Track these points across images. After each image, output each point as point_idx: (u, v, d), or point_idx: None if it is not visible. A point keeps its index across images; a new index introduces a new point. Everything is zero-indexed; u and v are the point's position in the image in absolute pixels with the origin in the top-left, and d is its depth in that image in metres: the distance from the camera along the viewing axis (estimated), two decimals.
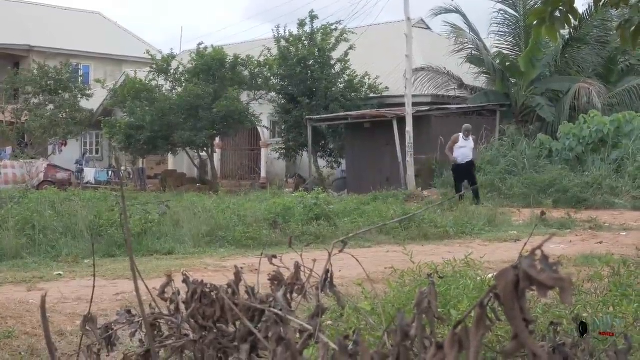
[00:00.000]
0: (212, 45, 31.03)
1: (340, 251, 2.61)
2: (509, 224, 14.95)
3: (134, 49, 44.98)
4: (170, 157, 35.29)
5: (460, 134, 19.40)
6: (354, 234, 5.76)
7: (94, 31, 47.31)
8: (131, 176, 34.73)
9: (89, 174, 34.26)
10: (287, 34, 29.83)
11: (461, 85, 28.18)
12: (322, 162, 29.54)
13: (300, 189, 22.54)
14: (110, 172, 34.40)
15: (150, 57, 32.12)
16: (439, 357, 1.14)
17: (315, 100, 28.42)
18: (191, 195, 19.04)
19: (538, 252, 1.10)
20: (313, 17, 29.78)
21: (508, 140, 23.84)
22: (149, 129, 29.76)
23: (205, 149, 31.34)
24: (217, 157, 33.78)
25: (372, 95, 29.26)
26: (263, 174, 33.48)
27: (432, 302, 2.10)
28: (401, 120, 23.56)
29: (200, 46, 31.04)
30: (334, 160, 29.53)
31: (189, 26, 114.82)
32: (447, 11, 28.32)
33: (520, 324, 1.07)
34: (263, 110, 31.02)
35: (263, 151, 33.87)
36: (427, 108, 25.81)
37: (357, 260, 3.05)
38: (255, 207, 14.90)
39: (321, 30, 29.58)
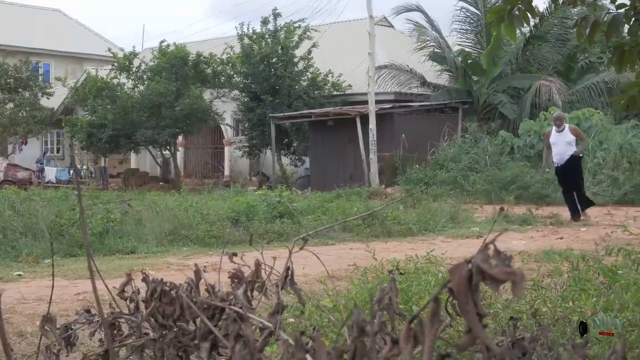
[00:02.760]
0: (174, 43, 30.86)
1: (301, 248, 2.61)
2: (471, 220, 15.06)
3: (95, 47, 44.58)
4: (132, 155, 35.02)
5: (552, 128, 15.12)
6: (316, 231, 5.78)
7: (55, 29, 46.76)
8: (93, 175, 34.44)
9: (50, 173, 33.94)
10: (251, 31, 29.75)
11: (424, 82, 28.31)
12: (285, 160, 29.53)
13: (264, 187, 22.52)
14: (71, 171, 34.07)
15: (111, 54, 31.85)
16: (394, 352, 1.15)
17: (279, 98, 28.39)
18: (154, 194, 18.91)
19: (491, 246, 1.11)
20: (276, 15, 29.76)
21: (470, 137, 24.01)
22: (111, 127, 29.51)
23: (168, 147, 31.16)
24: (180, 155, 33.59)
25: (335, 93, 29.30)
26: (226, 172, 33.36)
27: (392, 299, 2.12)
28: (364, 118, 23.63)
29: (163, 44, 30.84)
30: (297, 158, 29.53)
31: (151, 24, 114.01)
32: (409, 9, 28.44)
33: (473, 318, 1.08)
34: (226, 109, 30.92)
35: (226, 149, 33.75)
36: (390, 106, 25.89)
37: (318, 258, 3.06)
38: (219, 206, 14.84)
39: (284, 28, 29.55)
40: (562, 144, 14.54)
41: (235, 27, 30.86)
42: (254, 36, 29.53)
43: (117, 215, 12.84)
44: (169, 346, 2.34)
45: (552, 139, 14.76)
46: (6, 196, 14.44)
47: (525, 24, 5.05)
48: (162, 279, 2.40)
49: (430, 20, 28.64)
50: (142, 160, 35.61)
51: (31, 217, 12.51)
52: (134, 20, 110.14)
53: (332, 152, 25.69)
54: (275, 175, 27.89)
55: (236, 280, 2.45)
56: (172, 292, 2.36)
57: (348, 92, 29.04)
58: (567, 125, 14.98)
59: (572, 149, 14.46)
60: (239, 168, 32.75)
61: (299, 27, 29.55)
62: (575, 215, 14.44)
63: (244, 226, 12.80)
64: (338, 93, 29.27)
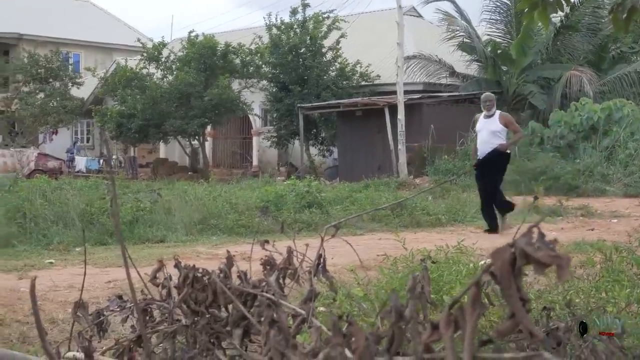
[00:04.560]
0: (203, 33, 30.91)
1: (333, 236, 2.59)
2: None
3: (124, 37, 44.79)
4: (161, 145, 35.20)
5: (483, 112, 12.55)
6: (346, 219, 5.75)
7: (85, 19, 47.07)
8: (122, 165, 34.65)
9: (80, 162, 34.18)
10: (279, 21, 29.74)
11: (453, 73, 28.16)
12: (313, 151, 29.51)
13: (292, 177, 22.53)
14: (101, 161, 34.31)
15: (141, 45, 31.99)
16: (434, 337, 1.13)
17: (307, 89, 28.36)
18: (183, 184, 18.99)
19: (534, 230, 1.08)
20: (305, 5, 29.73)
21: None
22: (140, 117, 29.67)
23: (196, 137, 31.26)
24: (208, 145, 33.71)
25: (363, 83, 29.23)
26: (255, 162, 33.42)
27: (425, 287, 2.09)
28: (393, 108, 23.54)
29: (192, 34, 30.93)
30: (325, 148, 29.51)
31: (179, 15, 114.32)
32: None
33: (516, 303, 1.05)
34: (254, 99, 30.95)
35: (255, 139, 33.79)
36: (418, 96, 25.78)
37: (351, 245, 3.04)
38: (247, 195, 14.87)
39: (313, 18, 29.50)
40: (486, 133, 11.70)
41: (264, 18, 30.89)
42: (283, 26, 29.52)
43: (147, 205, 12.90)
44: (201, 332, 2.33)
45: (478, 125, 12.05)
46: (37, 185, 14.53)
47: (556, 12, 4.98)
48: (194, 266, 2.39)
49: (459, 10, 28.47)
50: (170, 150, 35.78)
51: (62, 205, 12.60)
52: (162, 11, 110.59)
53: (360, 143, 25.63)
54: (304, 166, 27.89)
55: (268, 267, 2.44)
56: (205, 278, 2.35)
57: (376, 82, 28.94)
58: (498, 112, 11.88)
59: (498, 141, 11.57)
60: (267, 158, 32.79)
61: (328, 17, 29.50)
62: (493, 226, 11.51)
63: (272, 216, 12.82)
64: (366, 83, 29.19)
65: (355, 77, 29.28)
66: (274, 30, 29.53)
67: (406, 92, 23.99)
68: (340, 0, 39.64)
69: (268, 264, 2.40)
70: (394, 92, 23.78)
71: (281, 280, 2.43)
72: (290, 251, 2.45)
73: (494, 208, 11.68)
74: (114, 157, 35.08)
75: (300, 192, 14.06)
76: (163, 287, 2.62)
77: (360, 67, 29.26)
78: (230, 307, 2.37)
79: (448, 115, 25.13)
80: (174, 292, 2.55)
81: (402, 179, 21.43)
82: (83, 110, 37.54)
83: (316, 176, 21.75)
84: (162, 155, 36.10)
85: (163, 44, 31.61)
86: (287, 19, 29.84)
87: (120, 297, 2.83)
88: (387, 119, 23.84)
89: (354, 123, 26.02)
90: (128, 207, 12.26)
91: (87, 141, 42.23)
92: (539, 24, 5.11)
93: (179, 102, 29.59)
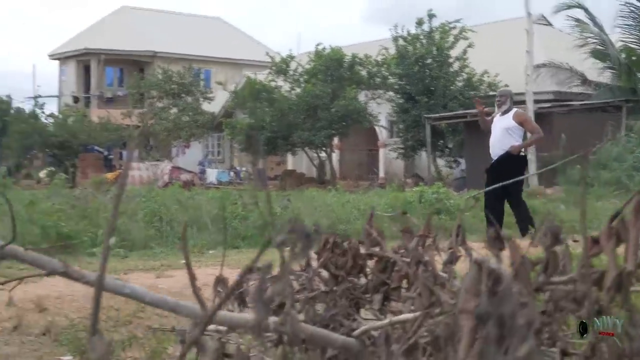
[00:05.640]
0: (330, 46, 31.27)
1: (472, 207, 2.59)
2: None
3: (253, 53, 45.82)
4: (289, 157, 35.72)
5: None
6: (481, 192, 5.69)
7: (215, 36, 48.45)
8: (251, 177, 35.36)
9: (211, 174, 35.11)
10: (405, 33, 29.72)
11: (584, 81, 27.39)
12: (440, 162, 29.30)
13: (420, 184, 22.38)
14: (231, 173, 35.14)
15: (269, 58, 32.64)
16: (595, 250, 1.11)
17: (434, 99, 28.22)
18: (311, 191, 19.23)
19: None
20: (431, 16, 29.61)
21: (635, 137, 23.00)
22: (269, 129, 30.23)
23: (324, 148, 31.57)
24: (335, 157, 33.99)
25: (491, 93, 28.78)
26: (381, 174, 33.45)
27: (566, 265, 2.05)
28: None
29: (319, 47, 31.32)
30: (452, 159, 29.24)
31: (305, 31, 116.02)
32: (570, 6, 27.58)
33: None
34: (381, 110, 31.02)
35: (381, 151, 33.84)
36: (549, 105, 25.21)
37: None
38: (375, 202, 14.90)
39: (439, 29, 29.36)
40: (499, 132, 10.42)
41: (390, 29, 30.93)
42: (409, 37, 29.49)
43: (277, 210, 13.12)
44: (341, 297, 2.37)
45: (493, 124, 10.70)
46: (172, 192, 15.04)
47: None
48: (334, 232, 2.43)
49: (591, 17, 27.67)
50: (298, 162, 36.27)
51: (196, 211, 12.98)
52: (289, 27, 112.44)
53: (488, 153, 25.17)
54: (430, 177, 27.72)
55: (408, 235, 2.45)
56: (345, 243, 2.38)
57: None
58: (514, 109, 10.61)
59: (510, 141, 10.24)
60: (394, 170, 32.76)
61: (454, 27, 29.29)
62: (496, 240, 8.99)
63: (401, 221, 12.79)
64: (494, 93, 28.68)
65: (483, 87, 28.91)
66: (401, 42, 29.54)
67: (536, 102, 23.51)
68: (467, 10, 39.15)
69: (407, 231, 2.42)
70: (523, 102, 23.31)
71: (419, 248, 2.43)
72: (429, 218, 2.46)
73: (500, 220, 9.18)
74: (242, 169, 35.87)
75: (429, 198, 13.97)
76: None
77: (488, 76, 28.87)
78: (369, 274, 2.40)
79: (580, 124, 24.42)
80: (313, 263, 2.59)
81: (532, 189, 20.96)
82: (214, 124, 38.58)
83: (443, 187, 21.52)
84: (290, 167, 36.63)
85: (291, 57, 32.14)
86: (413, 30, 29.81)
87: (258, 268, 2.89)
88: None
89: (482, 133, 25.51)
90: (258, 213, 12.50)
91: (218, 154, 43.34)
92: None
93: (306, 114, 29.99)
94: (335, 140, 33.08)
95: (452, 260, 2.17)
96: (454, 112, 26.81)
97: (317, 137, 29.68)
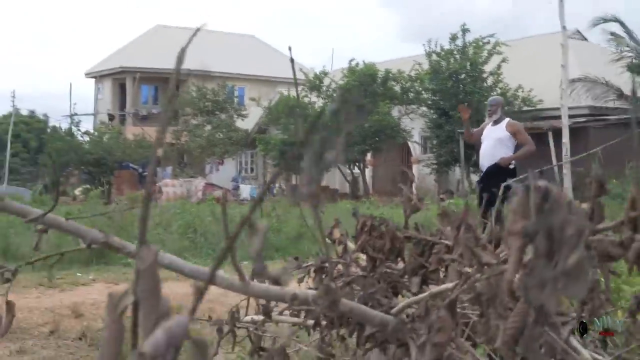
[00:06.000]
0: (363, 61, 31.32)
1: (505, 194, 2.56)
2: None
3: (287, 70, 45.93)
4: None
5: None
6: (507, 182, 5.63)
7: (249, 53, 48.73)
8: (284, 193, 35.44)
9: (245, 190, 35.25)
10: (439, 48, 29.69)
11: (621, 95, 27.11)
12: (474, 177, 29.14)
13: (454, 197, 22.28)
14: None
15: (303, 74, 32.78)
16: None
17: None
18: (345, 203, 19.25)
19: None
20: (465, 31, 29.55)
21: None
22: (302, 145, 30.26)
23: (357, 164, 31.56)
24: (368, 173, 33.96)
25: (525, 108, 28.65)
26: (414, 189, 33.32)
27: None
28: (557, 133, 22.91)
29: (352, 62, 31.38)
30: None
31: (339, 49, 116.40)
32: (606, 20, 27.39)
33: None
34: (414, 126, 30.96)
35: (414, 167, 33.76)
36: (584, 119, 25.00)
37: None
38: (414, 215, 14.85)
39: (473, 44, 29.29)
40: (490, 142, 9.97)
41: (423, 45, 30.92)
42: (442, 52, 29.45)
43: (310, 222, 13.13)
44: (379, 281, 2.35)
45: (484, 134, 10.19)
46: (206, 206, 15.13)
47: None
48: (371, 214, 2.43)
49: (628, 31, 27.45)
50: (331, 178, 36.29)
51: (230, 223, 13.03)
52: (321, 46, 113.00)
53: (523, 168, 25.06)
54: (464, 191, 27.57)
55: (445, 219, 2.43)
56: (382, 226, 2.38)
57: (539, 107, 28.30)
58: (507, 119, 10.22)
59: (502, 152, 9.88)
60: (427, 186, 32.62)
61: (488, 42, 29.19)
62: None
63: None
64: (529, 108, 28.59)
65: (517, 102, 28.75)
66: (434, 57, 29.50)
67: (571, 117, 23.31)
68: (501, 26, 39.06)
69: (444, 214, 2.40)
70: (558, 117, 23.14)
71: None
72: (467, 204, 2.44)
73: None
74: (276, 185, 35.96)
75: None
76: (339, 243, 2.66)
77: (522, 91, 28.72)
78: (407, 257, 2.39)
79: (616, 138, 24.16)
80: (350, 247, 2.59)
81: None
82: (247, 141, 38.75)
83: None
84: (323, 182, 36.63)
85: (324, 73, 32.25)
86: (447, 46, 29.75)
87: (296, 258, 2.91)
88: (551, 143, 23.23)
89: (517, 148, 25.48)
90: (292, 224, 12.54)
91: (251, 171, 43.49)
92: None
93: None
94: (369, 157, 33.07)
95: (491, 240, 2.15)
96: None
97: (351, 153, 29.70)
